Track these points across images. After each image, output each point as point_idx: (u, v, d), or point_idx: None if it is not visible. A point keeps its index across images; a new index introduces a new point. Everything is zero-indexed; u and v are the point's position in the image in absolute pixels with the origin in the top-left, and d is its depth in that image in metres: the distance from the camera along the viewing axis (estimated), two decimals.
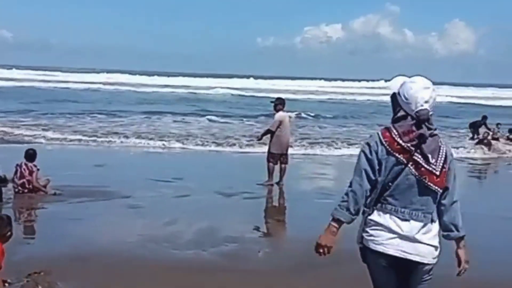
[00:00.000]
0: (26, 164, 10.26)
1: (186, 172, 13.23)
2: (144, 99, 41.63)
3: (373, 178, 3.47)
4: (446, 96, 52.44)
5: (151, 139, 19.61)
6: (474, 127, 21.76)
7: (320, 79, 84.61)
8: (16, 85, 50.26)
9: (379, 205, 3.51)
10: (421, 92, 3.48)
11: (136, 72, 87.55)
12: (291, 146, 11.96)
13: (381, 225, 3.49)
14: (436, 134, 3.50)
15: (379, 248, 3.49)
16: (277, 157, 11.75)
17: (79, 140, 19.02)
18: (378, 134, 3.53)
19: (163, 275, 6.24)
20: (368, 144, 3.52)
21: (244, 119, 28.14)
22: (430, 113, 3.49)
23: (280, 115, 11.83)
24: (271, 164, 11.71)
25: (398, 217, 3.46)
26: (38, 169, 10.23)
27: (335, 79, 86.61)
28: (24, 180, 10.17)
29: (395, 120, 3.54)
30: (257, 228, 8.62)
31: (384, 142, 3.46)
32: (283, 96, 14.18)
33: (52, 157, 14.70)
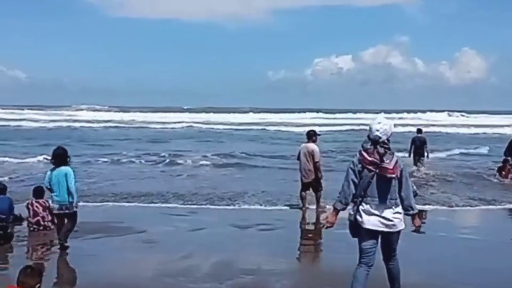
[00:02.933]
0: (37, 202, 10.27)
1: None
2: (172, 135, 41.91)
3: (356, 183, 5.68)
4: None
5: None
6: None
7: (326, 111, 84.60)
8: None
9: (364, 199, 5.66)
10: (375, 125, 5.72)
11: (152, 109, 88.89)
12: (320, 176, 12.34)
13: (366, 211, 5.67)
14: (392, 153, 5.70)
15: (366, 226, 5.66)
16: (303, 184, 12.44)
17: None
18: (357, 155, 5.76)
19: None
20: (352, 162, 5.75)
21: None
22: (382, 138, 5.66)
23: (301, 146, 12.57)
24: (301, 192, 12.56)
25: (375, 204, 5.63)
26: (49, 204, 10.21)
27: (346, 111, 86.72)
28: (39, 217, 10.18)
29: (363, 144, 5.77)
30: (274, 260, 8.52)
31: (360, 160, 5.69)
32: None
33: None
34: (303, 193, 12.53)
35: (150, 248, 9.26)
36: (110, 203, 13.17)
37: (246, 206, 13.04)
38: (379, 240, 5.82)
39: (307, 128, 13.50)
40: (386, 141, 5.69)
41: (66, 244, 8.81)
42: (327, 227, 5.87)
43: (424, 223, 10.83)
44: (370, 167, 5.60)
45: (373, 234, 5.71)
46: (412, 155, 19.93)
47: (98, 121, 58.22)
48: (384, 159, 5.58)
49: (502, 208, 13.25)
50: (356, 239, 5.90)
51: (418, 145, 19.96)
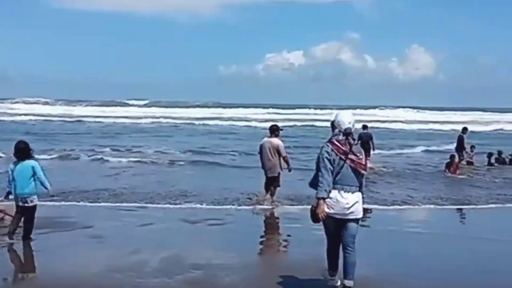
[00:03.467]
0: None
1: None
2: (110, 129, 41.34)
3: (332, 170, 6.02)
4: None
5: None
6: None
7: (278, 107, 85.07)
8: None
9: (333, 185, 6.03)
10: (347, 118, 6.20)
11: (100, 102, 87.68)
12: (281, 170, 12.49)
13: (333, 198, 6.02)
14: (357, 144, 6.21)
15: (332, 212, 6.05)
16: (268, 179, 12.57)
17: None
18: (327, 145, 6.13)
19: None
20: (326, 151, 6.07)
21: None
22: (352, 130, 6.13)
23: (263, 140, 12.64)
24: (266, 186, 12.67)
25: (342, 192, 6.04)
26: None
27: (297, 106, 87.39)
28: None
29: (333, 136, 6.18)
30: (223, 255, 8.52)
31: (333, 149, 6.07)
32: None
33: None
34: (269, 187, 12.62)
35: (98, 243, 9.13)
36: (58, 200, 12.87)
37: (193, 205, 12.50)
38: (341, 227, 6.21)
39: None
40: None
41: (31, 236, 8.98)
42: (322, 218, 6.05)
43: (369, 217, 11.14)
44: (342, 157, 6.04)
45: (337, 220, 6.12)
46: None
47: (43, 115, 56.91)
48: (354, 149, 6.09)
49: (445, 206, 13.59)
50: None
51: (365, 141, 20.13)
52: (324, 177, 5.98)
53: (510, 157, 22.42)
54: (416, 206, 13.07)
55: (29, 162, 8.85)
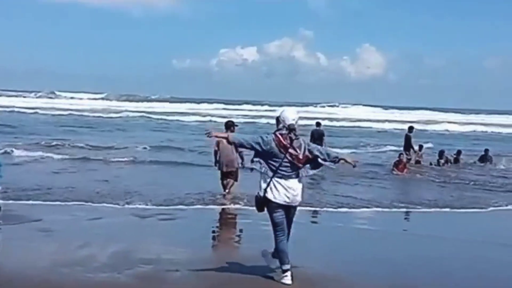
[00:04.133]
0: None
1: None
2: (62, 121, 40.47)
3: (258, 151, 6.52)
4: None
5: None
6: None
7: (231, 103, 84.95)
8: None
9: (274, 176, 6.44)
10: (291, 115, 6.55)
11: (49, 94, 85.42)
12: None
13: (276, 187, 6.46)
14: (298, 138, 6.53)
15: (276, 200, 6.48)
16: (224, 174, 12.64)
17: None
18: (272, 136, 6.53)
19: None
20: (266, 137, 6.52)
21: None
22: (295, 126, 6.49)
23: None
24: (222, 181, 12.75)
25: (284, 179, 6.46)
26: None
27: (251, 102, 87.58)
28: None
29: (277, 130, 6.57)
30: (174, 250, 8.50)
31: (275, 141, 6.47)
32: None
33: None
34: (224, 181, 12.70)
35: (46, 237, 8.97)
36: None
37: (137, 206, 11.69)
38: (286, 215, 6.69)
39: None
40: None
41: None
42: (209, 135, 6.61)
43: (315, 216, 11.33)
44: (282, 150, 6.43)
45: (281, 207, 6.55)
46: None
47: None
48: (294, 144, 6.46)
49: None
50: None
51: (317, 137, 20.59)
52: (250, 141, 6.54)
53: (454, 156, 23.16)
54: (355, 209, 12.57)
55: None
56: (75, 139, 25.94)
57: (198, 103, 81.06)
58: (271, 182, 6.48)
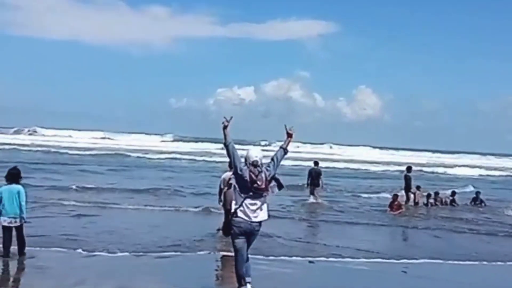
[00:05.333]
0: None
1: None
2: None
3: (238, 167, 7.58)
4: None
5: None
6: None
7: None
8: None
9: (242, 205, 7.46)
10: (254, 153, 7.65)
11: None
12: None
13: (243, 214, 7.44)
14: (262, 171, 7.53)
15: (240, 229, 7.52)
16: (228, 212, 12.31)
17: None
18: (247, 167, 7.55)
19: None
20: (243, 166, 7.60)
21: None
22: (259, 162, 7.54)
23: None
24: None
25: (251, 210, 7.46)
26: None
27: (249, 143, 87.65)
28: None
29: (245, 166, 7.60)
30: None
31: (248, 171, 7.49)
32: None
33: None
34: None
35: (41, 273, 8.96)
36: None
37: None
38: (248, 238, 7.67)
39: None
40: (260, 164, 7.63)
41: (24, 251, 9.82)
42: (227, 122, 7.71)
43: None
44: (249, 181, 7.48)
45: (244, 233, 7.59)
46: (308, 185, 21.41)
47: None
48: (258, 177, 7.51)
49: None
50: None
51: (314, 176, 21.26)
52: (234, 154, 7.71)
53: (450, 198, 23.20)
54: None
55: (17, 187, 9.74)
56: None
57: (196, 142, 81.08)
58: (240, 209, 7.51)
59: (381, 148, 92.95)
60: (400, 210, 19.71)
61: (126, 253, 10.61)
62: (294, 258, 11.06)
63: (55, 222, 13.82)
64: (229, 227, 7.61)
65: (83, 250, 10.64)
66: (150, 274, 9.38)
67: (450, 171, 52.40)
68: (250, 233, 7.61)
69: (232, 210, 7.60)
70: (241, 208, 7.50)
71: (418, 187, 22.74)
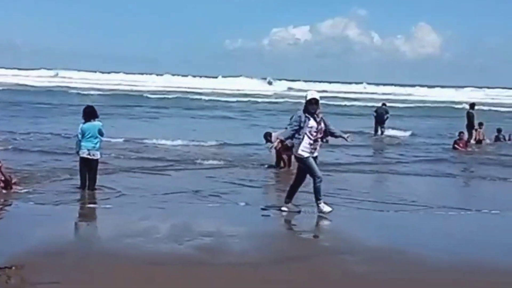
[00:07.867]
0: None
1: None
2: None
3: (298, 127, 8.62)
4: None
5: None
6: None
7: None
8: None
9: (304, 136, 8.65)
10: (313, 94, 8.78)
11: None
12: None
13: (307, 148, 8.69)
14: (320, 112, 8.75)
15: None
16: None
17: None
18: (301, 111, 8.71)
19: (138, 268, 6.10)
20: (300, 116, 8.68)
21: None
22: (318, 99, 8.75)
23: None
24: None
25: (309, 137, 8.67)
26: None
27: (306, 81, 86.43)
28: None
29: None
30: (234, 224, 8.47)
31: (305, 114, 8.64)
32: None
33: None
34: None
35: (106, 208, 9.20)
36: None
37: None
38: None
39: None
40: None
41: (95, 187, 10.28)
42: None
43: None
44: (309, 115, 8.62)
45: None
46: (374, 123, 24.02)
47: None
48: (317, 113, 8.74)
49: None
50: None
51: (379, 113, 24.10)
52: (289, 132, 8.80)
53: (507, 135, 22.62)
54: None
55: (97, 123, 10.22)
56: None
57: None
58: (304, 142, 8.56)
59: (442, 87, 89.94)
60: (467, 148, 19.57)
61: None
62: None
63: None
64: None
65: None
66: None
67: None
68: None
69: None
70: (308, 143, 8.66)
71: (480, 124, 21.89)
